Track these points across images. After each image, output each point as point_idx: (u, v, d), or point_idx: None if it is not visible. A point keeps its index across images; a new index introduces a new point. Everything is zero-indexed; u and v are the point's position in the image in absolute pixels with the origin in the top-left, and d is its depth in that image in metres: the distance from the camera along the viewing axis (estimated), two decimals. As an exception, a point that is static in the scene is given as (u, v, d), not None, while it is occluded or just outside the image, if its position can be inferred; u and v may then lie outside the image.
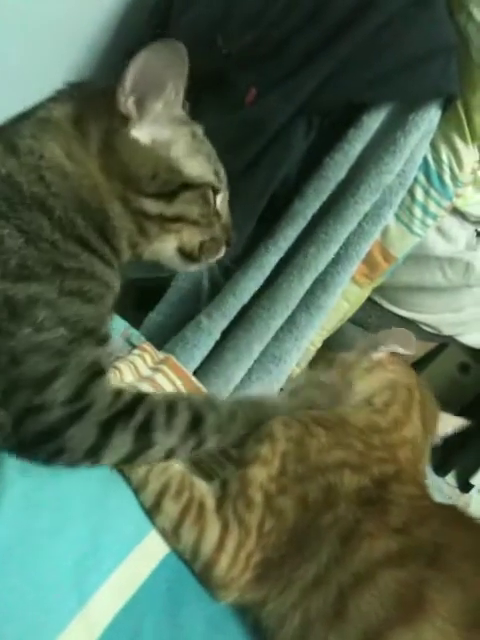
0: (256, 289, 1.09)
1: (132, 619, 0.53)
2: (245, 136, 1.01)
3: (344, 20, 0.95)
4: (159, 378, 0.79)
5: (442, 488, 2.07)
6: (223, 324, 1.10)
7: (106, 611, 0.52)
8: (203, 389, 0.87)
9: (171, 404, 0.61)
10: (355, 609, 0.51)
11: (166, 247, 0.69)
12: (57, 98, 0.64)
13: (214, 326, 1.08)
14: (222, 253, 0.74)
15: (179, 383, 0.81)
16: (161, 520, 0.59)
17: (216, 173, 0.69)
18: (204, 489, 0.61)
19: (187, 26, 1.08)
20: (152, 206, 0.63)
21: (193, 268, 0.74)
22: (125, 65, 0.59)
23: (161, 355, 0.87)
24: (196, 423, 0.61)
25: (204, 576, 0.57)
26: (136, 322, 0.98)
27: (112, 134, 0.61)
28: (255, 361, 1.11)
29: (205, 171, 0.67)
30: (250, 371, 1.12)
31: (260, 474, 0.59)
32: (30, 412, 0.54)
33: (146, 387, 0.75)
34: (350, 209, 1.03)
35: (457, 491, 2.08)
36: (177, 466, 0.62)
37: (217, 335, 1.10)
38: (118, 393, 0.59)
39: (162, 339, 1.10)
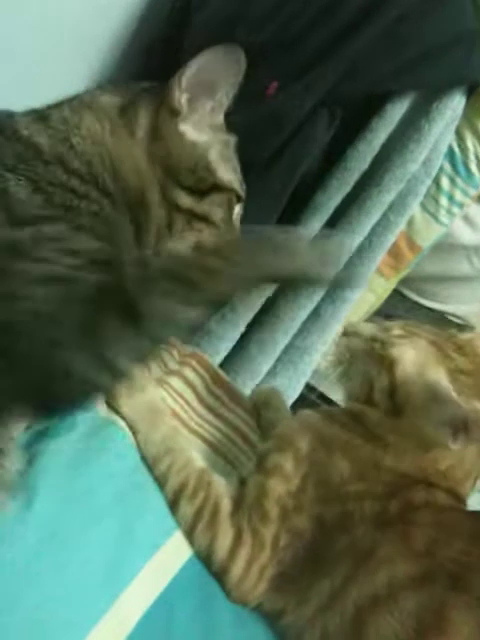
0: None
1: (163, 612, 0.53)
2: (267, 129, 1.00)
3: (364, 11, 0.94)
4: (186, 371, 0.80)
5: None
6: (248, 316, 1.10)
7: (137, 605, 0.52)
8: (231, 383, 0.87)
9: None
10: (374, 629, 0.51)
11: (182, 247, 0.69)
12: (101, 88, 0.67)
13: (239, 318, 1.09)
14: None
15: (206, 376, 0.82)
16: (178, 520, 0.59)
17: (240, 183, 0.72)
18: (221, 488, 0.60)
19: (205, 22, 1.08)
20: (185, 199, 0.66)
21: None
22: (185, 63, 0.62)
23: (188, 349, 0.88)
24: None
25: (219, 581, 0.57)
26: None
27: (161, 123, 0.64)
28: (281, 353, 1.11)
29: (233, 179, 0.70)
30: (275, 363, 1.12)
31: (279, 487, 0.59)
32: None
33: (174, 381, 0.76)
34: (374, 199, 1.02)
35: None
36: (198, 463, 0.62)
37: (243, 327, 1.10)
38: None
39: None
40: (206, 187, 0.67)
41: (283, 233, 0.57)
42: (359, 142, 1.00)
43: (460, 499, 0.61)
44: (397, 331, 0.67)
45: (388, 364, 0.63)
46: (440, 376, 0.60)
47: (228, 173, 0.69)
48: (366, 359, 0.66)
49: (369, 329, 0.69)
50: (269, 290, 1.08)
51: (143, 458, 0.62)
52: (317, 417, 0.66)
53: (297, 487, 0.59)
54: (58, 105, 0.64)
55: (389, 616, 0.50)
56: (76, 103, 0.64)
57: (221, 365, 1.08)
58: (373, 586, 0.52)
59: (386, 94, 0.99)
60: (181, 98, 0.63)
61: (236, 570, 0.56)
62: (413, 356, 0.63)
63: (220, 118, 0.68)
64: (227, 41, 1.01)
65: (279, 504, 0.58)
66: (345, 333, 0.70)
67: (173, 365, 0.81)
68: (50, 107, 0.64)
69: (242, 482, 0.61)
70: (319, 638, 0.53)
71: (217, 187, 0.67)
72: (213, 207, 0.68)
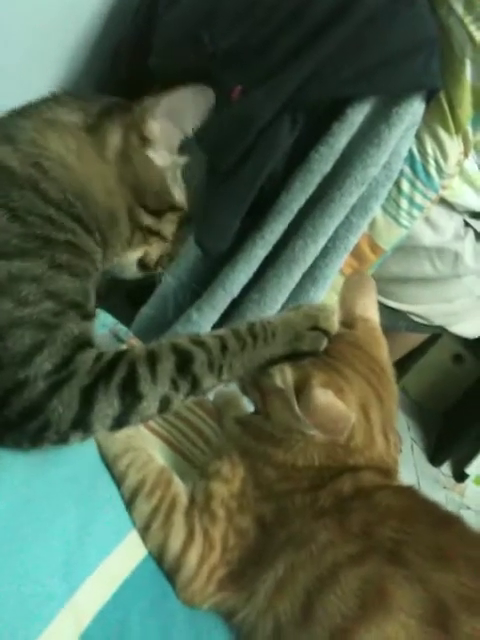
0: (246, 282, 1.11)
1: (119, 609, 0.54)
2: (232, 132, 1.02)
3: (328, 17, 0.96)
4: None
5: (438, 478, 2.09)
6: (213, 317, 1.11)
7: (94, 601, 0.53)
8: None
9: (152, 351, 0.58)
10: (321, 610, 0.52)
11: (132, 257, 0.74)
12: (60, 102, 0.68)
13: (204, 319, 1.10)
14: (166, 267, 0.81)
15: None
16: (134, 518, 0.59)
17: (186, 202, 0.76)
18: (180, 487, 0.61)
19: (172, 23, 1.09)
20: (148, 219, 0.70)
21: (139, 276, 0.78)
22: (158, 95, 0.66)
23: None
24: (184, 364, 0.57)
25: (170, 580, 0.58)
26: (126, 319, 0.99)
27: (130, 148, 0.67)
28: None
29: (183, 199, 0.74)
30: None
31: (222, 490, 0.60)
32: (14, 390, 0.53)
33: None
34: (337, 202, 1.04)
35: (452, 481, 2.10)
36: (158, 462, 0.63)
37: (208, 328, 1.11)
38: (98, 357, 0.57)
39: (153, 333, 1.11)
40: (163, 207, 0.71)
41: None
42: (321, 146, 1.02)
43: (386, 472, 0.63)
44: None
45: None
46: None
47: (180, 194, 0.73)
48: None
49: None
50: (234, 291, 1.09)
51: (103, 456, 0.62)
52: (237, 430, 0.67)
53: (238, 489, 0.60)
54: (18, 123, 0.64)
55: (333, 595, 0.51)
56: (39, 121, 0.64)
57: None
58: (317, 569, 0.54)
59: (347, 99, 1.01)
60: (153, 128, 0.67)
61: (187, 570, 0.57)
62: None
63: (177, 145, 0.72)
64: (194, 43, 1.03)
65: (224, 505, 0.59)
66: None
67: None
68: (12, 124, 0.64)
69: (194, 484, 0.62)
70: (272, 629, 0.54)
71: (173, 207, 0.72)
72: (167, 224, 0.73)
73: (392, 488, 0.62)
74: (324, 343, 0.62)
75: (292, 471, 0.60)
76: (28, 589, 0.50)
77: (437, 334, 1.77)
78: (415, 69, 0.98)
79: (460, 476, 2.08)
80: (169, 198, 0.71)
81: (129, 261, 0.74)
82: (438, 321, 1.51)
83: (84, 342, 0.57)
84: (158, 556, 0.58)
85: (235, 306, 1.13)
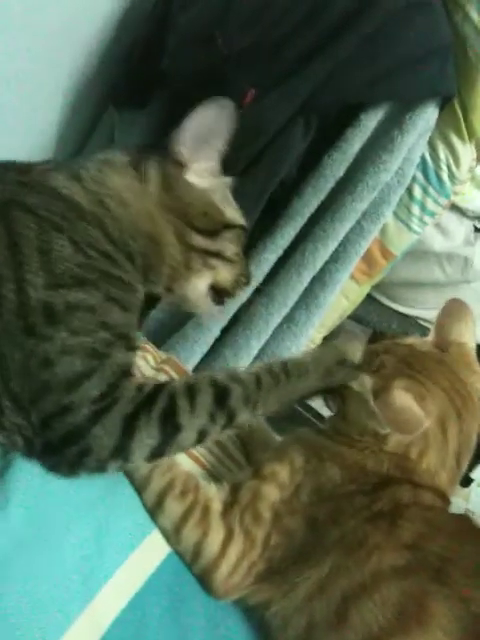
0: (256, 286, 1.10)
1: (137, 615, 0.54)
2: (244, 137, 1.01)
3: (342, 21, 0.96)
4: (162, 378, 0.81)
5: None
6: (223, 321, 1.11)
7: (112, 607, 0.53)
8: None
9: (191, 385, 0.60)
10: (357, 616, 0.52)
11: (201, 284, 0.74)
12: (114, 148, 0.74)
13: (214, 323, 1.10)
14: (244, 290, 0.81)
15: (181, 382, 0.82)
16: (163, 519, 0.59)
17: (243, 218, 0.78)
18: (211, 493, 0.61)
19: (186, 25, 1.08)
20: (199, 240, 0.71)
21: (216, 308, 0.78)
22: (182, 120, 0.69)
23: (163, 355, 0.89)
24: (221, 398, 0.59)
25: (204, 579, 0.58)
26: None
27: (169, 176, 0.70)
28: (255, 358, 1.13)
29: (238, 216, 0.76)
30: (250, 368, 1.13)
31: (274, 494, 0.61)
32: (57, 414, 0.54)
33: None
34: (348, 207, 1.04)
35: (457, 486, 2.10)
36: (182, 467, 0.63)
37: (217, 332, 1.11)
38: (140, 387, 0.59)
39: (163, 336, 1.11)
40: (217, 227, 0.72)
41: None
42: (334, 151, 1.02)
43: (444, 498, 0.64)
44: None
45: None
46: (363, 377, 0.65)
47: (233, 212, 0.75)
48: None
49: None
50: (243, 296, 1.09)
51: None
52: (309, 432, 0.69)
53: (291, 494, 0.61)
54: (82, 164, 0.68)
55: (372, 604, 0.52)
56: (97, 162, 0.69)
57: (195, 369, 1.09)
58: (361, 575, 0.54)
59: (361, 104, 1.01)
60: (183, 151, 0.70)
61: (226, 566, 0.57)
62: None
63: (217, 164, 0.74)
64: (208, 46, 1.03)
65: (272, 509, 0.60)
66: None
67: (148, 371, 0.81)
68: (77, 165, 0.68)
69: (234, 489, 0.62)
70: (305, 626, 0.54)
71: (227, 225, 0.73)
72: (226, 243, 0.74)
73: (446, 511, 0.63)
74: (356, 376, 0.65)
75: (359, 474, 0.61)
76: (47, 594, 0.50)
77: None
78: (430, 75, 0.98)
79: (465, 481, 2.08)
80: (220, 217, 0.73)
81: (199, 290, 0.73)
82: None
83: (128, 372, 0.59)
84: (193, 555, 0.58)
85: (243, 309, 1.13)
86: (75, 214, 0.62)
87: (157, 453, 0.57)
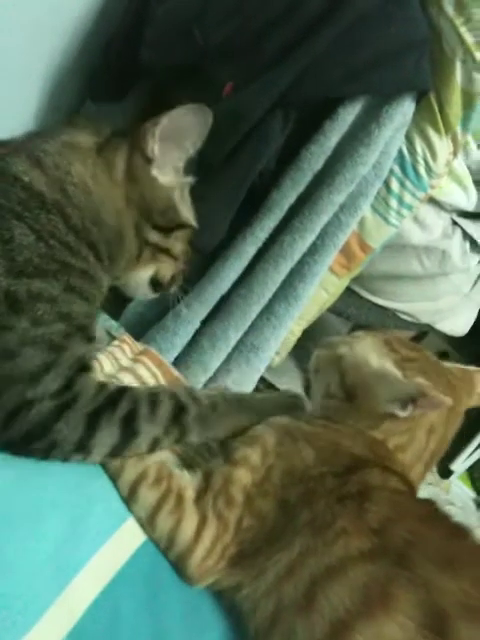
0: (235, 278, 1.11)
1: (111, 603, 0.54)
2: (223, 129, 1.01)
3: (320, 15, 0.96)
4: (139, 369, 0.81)
5: (423, 474, 2.11)
6: (202, 312, 1.12)
7: (85, 595, 0.53)
8: (182, 379, 0.89)
9: (154, 395, 0.63)
10: (324, 599, 0.52)
11: (143, 275, 0.77)
12: (76, 125, 0.72)
13: (193, 315, 1.10)
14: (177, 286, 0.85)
15: (158, 373, 0.83)
16: (137, 508, 0.60)
17: (194, 220, 0.80)
18: (184, 480, 0.62)
19: (164, 17, 1.08)
20: (154, 236, 0.73)
21: (152, 296, 0.82)
22: (158, 115, 0.70)
23: (140, 346, 0.89)
24: (178, 413, 0.63)
25: (179, 564, 0.59)
26: (115, 314, 0.99)
27: (135, 168, 0.70)
28: (234, 350, 1.13)
29: (191, 217, 0.78)
30: (228, 359, 1.14)
31: (245, 477, 0.61)
32: (20, 410, 0.55)
33: (127, 378, 0.77)
34: (326, 200, 1.05)
35: (438, 477, 2.13)
36: (156, 455, 0.63)
37: (197, 323, 1.12)
38: (102, 386, 0.61)
39: (142, 329, 1.11)
40: (172, 225, 0.74)
41: None
42: (312, 144, 1.03)
43: (411, 486, 0.65)
44: (357, 334, 0.76)
45: (336, 360, 0.71)
46: (384, 361, 0.68)
47: (187, 212, 0.77)
48: (325, 364, 0.73)
49: (336, 339, 0.76)
50: (223, 287, 1.10)
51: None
52: (283, 418, 0.70)
53: (263, 477, 0.61)
54: (41, 146, 0.66)
55: (339, 587, 0.52)
56: (59, 144, 0.67)
57: (175, 360, 1.09)
58: (329, 558, 0.55)
59: (339, 98, 1.01)
60: (154, 147, 0.70)
61: (200, 550, 0.58)
62: (357, 349, 0.71)
63: (182, 165, 0.75)
64: (186, 38, 1.03)
65: (244, 492, 0.60)
66: (318, 346, 0.77)
67: (126, 362, 0.82)
68: (36, 147, 0.66)
69: (206, 476, 0.63)
70: (273, 609, 0.55)
71: (180, 225, 0.75)
72: (176, 242, 0.76)
73: (413, 496, 0.65)
74: (303, 406, 0.72)
75: (332, 455, 0.63)
76: (17, 584, 0.50)
77: (424, 332, 1.79)
78: (406, 69, 0.98)
79: (445, 473, 2.11)
80: (176, 216, 0.74)
81: (141, 279, 0.77)
82: (425, 319, 1.53)
83: (85, 365, 0.61)
84: (167, 542, 0.59)
85: (222, 301, 1.13)
86: (36, 203, 0.62)
87: (113, 453, 0.59)
